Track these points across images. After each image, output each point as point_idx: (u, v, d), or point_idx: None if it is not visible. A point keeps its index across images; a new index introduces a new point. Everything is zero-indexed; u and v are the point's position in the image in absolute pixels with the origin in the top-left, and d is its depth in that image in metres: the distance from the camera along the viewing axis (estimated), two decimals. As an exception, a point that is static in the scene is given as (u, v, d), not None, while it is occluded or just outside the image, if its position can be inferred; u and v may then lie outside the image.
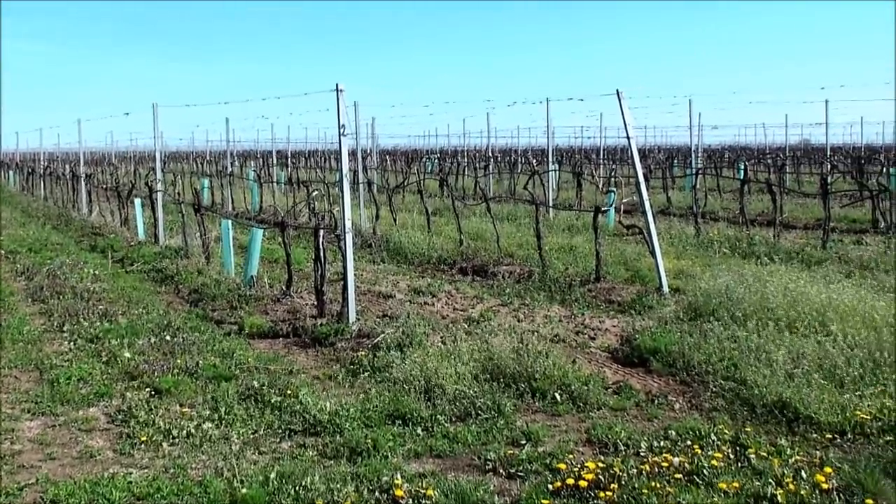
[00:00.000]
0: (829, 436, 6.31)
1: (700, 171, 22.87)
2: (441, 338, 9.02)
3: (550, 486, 5.51)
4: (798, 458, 5.87)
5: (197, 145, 63.48)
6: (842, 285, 9.78)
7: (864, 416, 6.42)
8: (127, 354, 8.81)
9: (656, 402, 7.31)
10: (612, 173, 30.50)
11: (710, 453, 5.91)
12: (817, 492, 5.26)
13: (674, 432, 6.41)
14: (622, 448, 6.21)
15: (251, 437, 6.67)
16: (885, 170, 24.84)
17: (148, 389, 7.77)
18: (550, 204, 21.81)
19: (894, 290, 10.44)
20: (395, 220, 19.41)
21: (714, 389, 7.38)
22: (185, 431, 6.69)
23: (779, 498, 5.18)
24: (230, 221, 14.40)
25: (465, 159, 42.23)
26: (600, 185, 27.30)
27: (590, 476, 5.51)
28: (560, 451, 6.16)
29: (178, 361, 8.50)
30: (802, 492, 5.24)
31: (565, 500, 5.38)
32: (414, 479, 5.72)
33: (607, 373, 8.17)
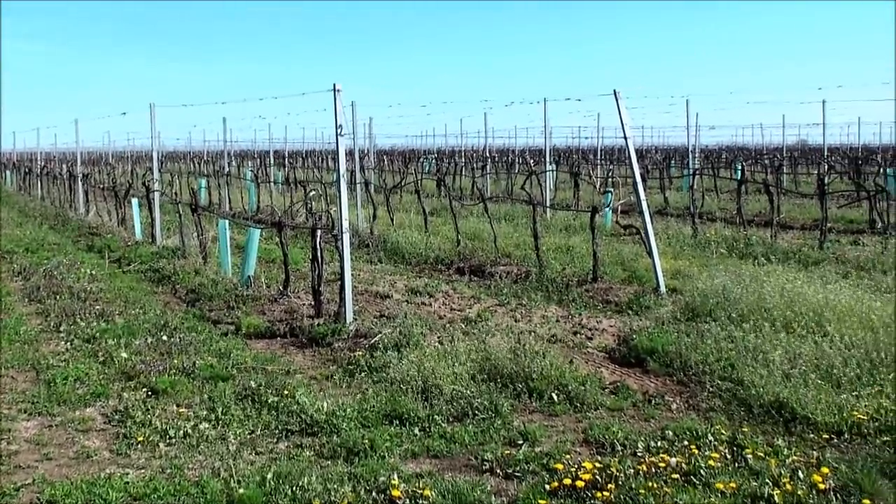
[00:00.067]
0: (826, 436, 6.31)
1: (697, 172, 22.89)
2: (438, 338, 9.02)
3: (547, 487, 5.51)
4: (795, 458, 5.87)
5: (194, 145, 63.50)
6: (839, 286, 9.78)
7: (861, 417, 6.43)
8: (124, 354, 8.80)
9: (653, 402, 7.31)
10: (610, 173, 30.54)
11: (707, 453, 5.92)
12: (814, 492, 5.26)
13: (671, 432, 6.42)
14: (619, 448, 6.21)
15: (248, 437, 6.66)
16: (882, 170, 24.86)
17: (145, 390, 7.76)
18: (548, 204, 21.83)
19: (891, 290, 10.46)
20: (392, 220, 19.41)
21: (711, 390, 7.38)
22: (181, 432, 6.68)
23: (776, 498, 5.19)
24: (227, 221, 14.40)
25: (463, 159, 42.24)
26: (597, 186, 27.28)
27: (587, 476, 5.51)
28: (557, 451, 6.16)
29: (175, 361, 8.50)
30: (799, 492, 5.24)
31: (562, 501, 5.38)
32: (411, 479, 5.72)
33: (604, 373, 8.17)
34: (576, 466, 5.73)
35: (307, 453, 6.30)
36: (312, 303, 10.78)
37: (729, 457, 5.94)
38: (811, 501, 5.20)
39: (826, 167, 25.40)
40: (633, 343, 8.81)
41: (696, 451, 5.96)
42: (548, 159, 26.12)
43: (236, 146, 53.31)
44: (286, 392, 7.45)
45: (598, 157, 41.81)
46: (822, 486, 5.29)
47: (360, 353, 8.75)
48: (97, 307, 11.20)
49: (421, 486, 5.53)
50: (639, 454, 6.04)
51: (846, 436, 6.31)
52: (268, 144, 46.75)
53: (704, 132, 46.63)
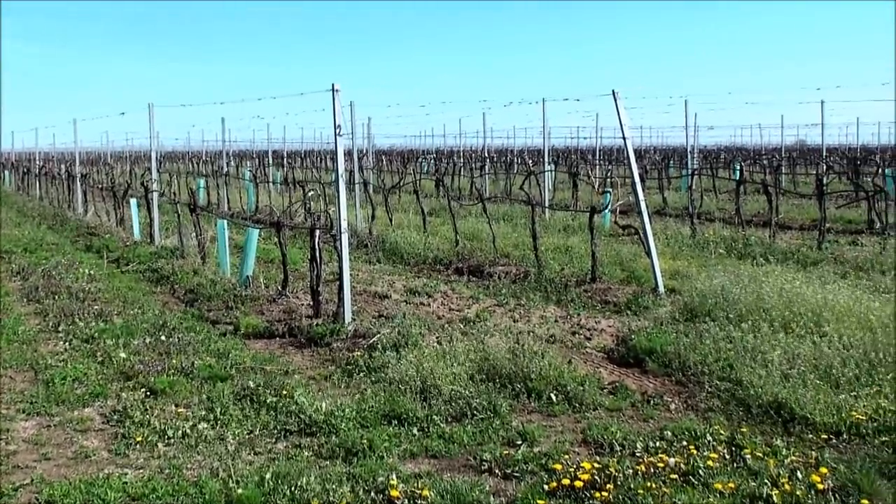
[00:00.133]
0: (824, 436, 6.31)
1: (696, 172, 22.90)
2: (437, 338, 9.02)
3: (546, 487, 5.51)
4: (794, 458, 5.87)
5: (193, 145, 63.48)
6: (837, 286, 9.79)
7: (860, 417, 6.43)
8: (122, 354, 8.80)
9: (652, 402, 7.31)
10: (609, 174, 30.56)
11: (705, 454, 5.92)
12: (813, 492, 5.26)
13: (669, 433, 6.42)
14: (618, 448, 6.21)
15: (247, 437, 6.66)
16: (880, 170, 24.88)
17: (143, 390, 7.76)
18: (546, 204, 21.83)
19: (890, 290, 10.46)
20: (391, 220, 19.40)
21: (710, 390, 7.38)
22: (180, 432, 6.68)
23: (774, 498, 5.19)
24: (226, 221, 14.39)
25: (462, 159, 42.26)
26: (596, 186, 27.30)
27: (585, 476, 5.51)
28: (556, 451, 6.16)
29: (174, 362, 8.49)
30: (798, 492, 5.24)
31: (561, 501, 5.38)
32: (410, 479, 5.71)
33: (603, 373, 8.17)
34: (574, 466, 5.73)
35: (306, 453, 6.30)
36: (311, 303, 10.77)
37: (727, 457, 5.94)
38: (810, 502, 5.20)
39: (825, 167, 25.45)
40: (631, 343, 8.81)
41: (695, 452, 5.96)
42: (546, 159, 26.12)
43: (235, 146, 53.31)
44: (285, 392, 7.45)
45: (597, 157, 41.83)
46: (820, 487, 5.29)
47: (359, 353, 8.75)
48: (96, 307, 11.20)
49: (419, 486, 5.53)
50: (637, 454, 6.04)
51: (845, 436, 6.31)
52: (266, 144, 46.74)
53: (703, 132, 46.62)
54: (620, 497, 5.30)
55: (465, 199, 22.77)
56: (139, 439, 6.56)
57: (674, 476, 5.58)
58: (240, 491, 5.52)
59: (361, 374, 8.18)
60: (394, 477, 5.67)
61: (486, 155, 35.19)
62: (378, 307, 11.14)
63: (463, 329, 9.53)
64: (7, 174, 46.68)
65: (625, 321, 10.13)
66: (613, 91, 11.89)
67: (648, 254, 11.72)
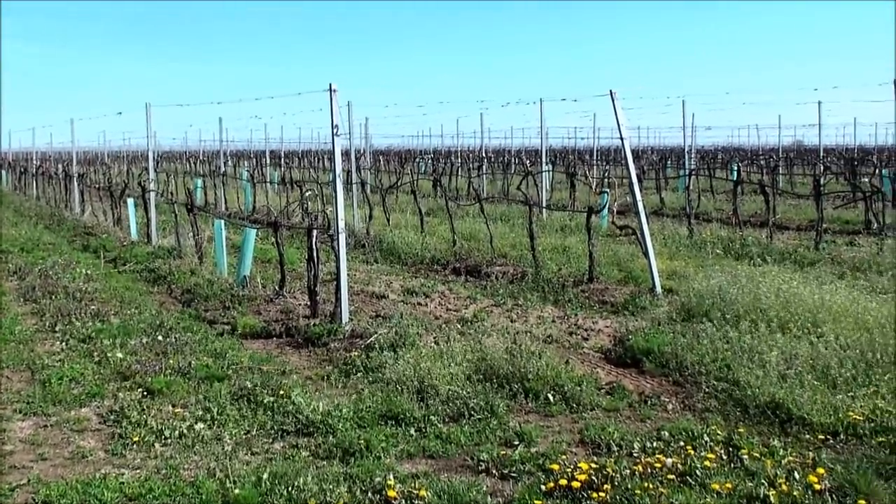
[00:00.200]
0: (821, 437, 6.32)
1: (693, 172, 22.90)
2: (434, 338, 9.02)
3: (543, 487, 5.51)
4: (791, 458, 5.87)
5: (190, 145, 63.40)
6: (834, 286, 9.79)
7: (857, 417, 6.43)
8: (119, 355, 8.79)
9: (649, 402, 7.31)
10: (606, 174, 30.57)
11: (702, 454, 5.92)
12: (810, 493, 5.27)
13: (667, 433, 6.42)
14: (615, 449, 6.21)
15: (244, 437, 6.65)
16: (877, 171, 24.90)
17: (140, 390, 7.75)
18: (544, 204, 21.82)
19: (887, 291, 10.47)
20: (388, 220, 19.40)
21: (707, 390, 7.38)
22: (177, 432, 6.67)
23: (771, 499, 5.19)
24: (223, 221, 14.37)
25: (459, 160, 42.27)
26: (594, 186, 27.22)
27: (583, 477, 5.51)
28: (553, 451, 6.16)
29: (171, 362, 8.48)
30: (795, 493, 5.25)
31: (558, 501, 5.37)
32: (407, 479, 5.71)
33: (600, 373, 8.17)
34: (572, 467, 5.73)
35: (303, 453, 6.30)
36: (308, 303, 10.77)
37: (725, 457, 5.94)
38: (807, 502, 5.20)
39: (822, 168, 25.48)
40: (629, 343, 8.81)
41: (692, 452, 5.96)
42: (544, 160, 26.12)
43: (232, 146, 53.37)
44: (282, 392, 7.44)
45: (595, 157, 41.90)
46: (817, 487, 5.30)
47: (356, 353, 8.74)
48: (93, 307, 11.18)
49: (417, 486, 5.53)
50: (635, 455, 6.04)
51: (842, 436, 6.31)
52: (264, 144, 46.73)
53: (701, 133, 46.67)
54: (618, 497, 5.30)
55: (463, 200, 22.77)
56: (136, 439, 6.55)
57: (671, 476, 5.58)
58: (237, 491, 5.51)
59: (359, 374, 8.18)
60: (391, 477, 5.66)
61: (484, 155, 35.23)
62: (375, 307, 11.14)
63: (460, 329, 9.53)
64: (4, 174, 46.63)
65: (622, 321, 10.13)
66: (611, 91, 11.90)
67: (646, 254, 11.72)
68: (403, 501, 5.39)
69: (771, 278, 9.94)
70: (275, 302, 11.41)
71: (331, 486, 5.56)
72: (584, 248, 13.52)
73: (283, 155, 49.88)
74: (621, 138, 12.16)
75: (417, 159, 46.03)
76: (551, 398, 7.31)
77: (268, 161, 43.76)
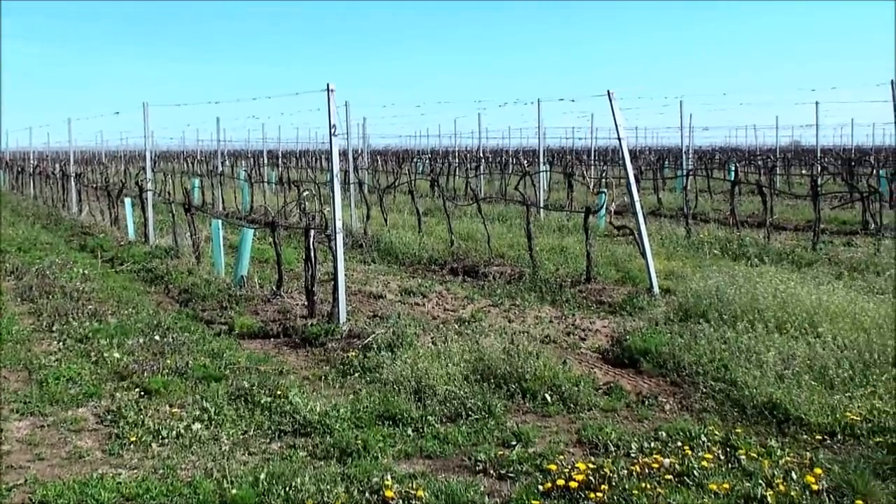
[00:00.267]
0: (819, 437, 6.32)
1: (691, 173, 22.93)
2: (431, 338, 9.01)
3: (541, 487, 5.51)
4: (788, 459, 5.88)
5: (188, 145, 63.42)
6: (832, 287, 9.80)
7: (855, 418, 6.44)
8: (116, 354, 8.77)
9: (647, 402, 7.31)
10: (603, 174, 30.57)
11: (700, 454, 5.92)
12: (807, 493, 5.27)
13: (664, 433, 6.42)
14: (612, 449, 6.21)
15: (241, 437, 6.65)
16: (875, 171, 24.93)
17: (137, 390, 7.74)
18: (541, 205, 21.83)
19: (884, 291, 10.48)
20: (385, 220, 19.39)
21: (704, 390, 7.39)
22: (174, 432, 6.66)
23: (769, 499, 5.19)
24: (220, 221, 14.36)
25: (457, 160, 42.25)
26: (591, 186, 27.31)
27: (580, 477, 5.51)
28: (550, 451, 6.16)
29: (168, 362, 8.48)
30: (793, 493, 5.25)
31: (556, 501, 5.37)
32: (404, 479, 5.71)
33: (598, 374, 8.17)
34: (569, 467, 5.73)
35: (300, 454, 6.29)
36: (306, 303, 10.76)
37: (722, 457, 5.94)
38: (804, 502, 5.20)
39: (819, 168, 25.48)
40: (626, 344, 8.82)
41: (690, 452, 5.96)
42: (541, 160, 26.12)
43: (230, 146, 53.31)
44: (279, 392, 7.44)
45: (592, 157, 41.89)
46: (815, 487, 5.30)
47: (354, 353, 8.74)
48: (90, 307, 11.17)
49: (414, 486, 5.53)
50: (632, 455, 6.04)
51: (839, 437, 6.32)
52: (261, 144, 46.71)
53: (698, 133, 46.80)
54: (615, 498, 5.30)
55: (460, 200, 22.77)
56: (133, 439, 6.54)
57: (668, 477, 5.58)
58: (234, 491, 5.51)
59: (356, 375, 8.18)
60: (388, 477, 5.66)
61: (482, 155, 35.24)
62: (373, 307, 11.13)
63: (458, 329, 9.52)
64: (1, 173, 46.59)
65: (619, 322, 10.13)
66: (609, 92, 11.89)
67: (643, 254, 11.72)
68: (401, 502, 5.38)
69: (768, 279, 9.95)
70: (272, 302, 11.41)
71: (328, 487, 5.55)
72: (581, 249, 13.52)
73: (280, 155, 49.84)
74: (619, 138, 12.16)
75: (415, 159, 46.03)
76: (549, 398, 7.31)
77: (265, 161, 43.75)
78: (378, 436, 6.49)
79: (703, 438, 6.25)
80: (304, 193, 15.37)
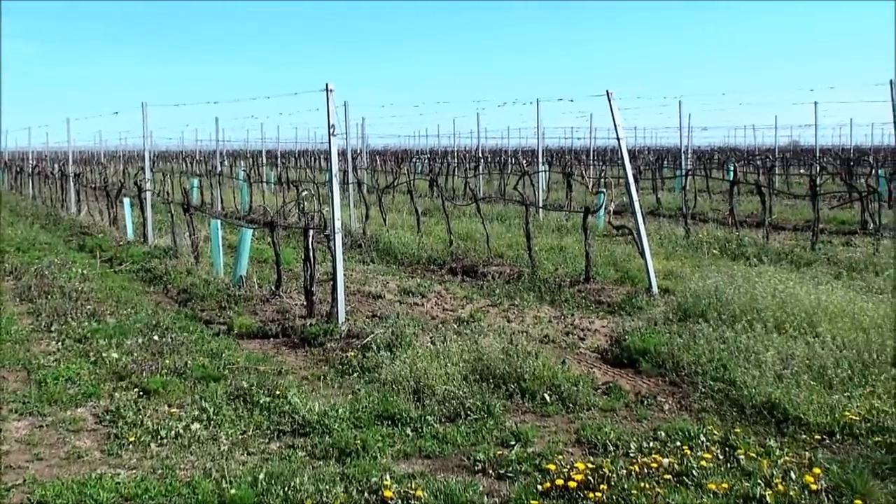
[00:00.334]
0: (818, 437, 6.32)
1: (690, 173, 22.93)
2: (430, 338, 9.01)
3: (540, 487, 5.51)
4: (787, 458, 5.88)
5: (186, 145, 63.37)
6: (831, 286, 9.80)
7: (853, 417, 6.44)
8: (115, 354, 8.77)
9: (646, 402, 7.31)
10: (602, 174, 30.53)
11: (699, 454, 5.92)
12: (806, 493, 5.27)
13: (663, 433, 6.42)
14: (611, 449, 6.21)
15: (240, 437, 6.64)
16: (873, 171, 24.93)
17: (136, 390, 7.74)
18: (540, 204, 21.82)
19: (883, 291, 10.49)
20: (384, 220, 19.39)
21: (703, 390, 7.39)
22: (173, 432, 6.66)
23: (768, 499, 5.19)
24: (219, 221, 14.36)
25: (455, 160, 42.26)
26: (590, 186, 27.25)
27: (579, 477, 5.51)
28: (549, 451, 6.15)
29: (167, 362, 8.47)
30: (791, 493, 5.25)
31: (555, 501, 5.37)
32: (403, 479, 5.71)
33: (597, 373, 8.17)
34: (568, 467, 5.73)
35: (299, 454, 6.29)
36: (304, 303, 10.76)
37: (721, 457, 5.95)
38: (803, 502, 5.20)
39: (818, 168, 25.47)
40: (625, 343, 8.82)
41: (689, 452, 5.96)
42: (540, 160, 26.11)
43: (229, 146, 53.32)
44: (278, 392, 7.43)
45: (591, 157, 41.89)
46: (814, 487, 5.30)
47: (353, 353, 8.74)
48: (88, 307, 11.17)
49: (413, 486, 5.53)
50: (631, 455, 6.04)
51: (838, 436, 6.32)
52: (260, 144, 46.68)
53: (697, 133, 46.76)
54: (614, 497, 5.30)
55: (459, 200, 22.78)
56: (132, 439, 6.54)
57: (667, 476, 5.58)
58: (233, 491, 5.51)
59: (355, 375, 8.18)
60: (387, 477, 5.66)
61: (480, 155, 35.22)
62: (372, 307, 11.13)
63: (457, 329, 9.52)
64: (0, 173, 46.55)
65: (618, 321, 10.13)
66: (607, 91, 11.89)
67: (642, 254, 11.72)
68: (400, 502, 5.38)
69: (767, 278, 9.95)
70: (271, 302, 11.40)
71: (327, 487, 5.55)
72: (580, 248, 13.52)
73: (279, 155, 49.83)
74: (618, 138, 12.16)
75: (414, 159, 46.00)
76: (548, 398, 7.31)
77: (264, 161, 43.73)
78: (377, 436, 6.49)
79: (702, 438, 6.25)
80: (303, 193, 15.36)
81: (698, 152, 46.26)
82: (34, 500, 5.53)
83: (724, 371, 7.54)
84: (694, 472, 5.63)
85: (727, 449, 6.07)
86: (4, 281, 13.69)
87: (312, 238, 10.60)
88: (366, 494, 5.49)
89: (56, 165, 31.55)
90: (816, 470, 5.55)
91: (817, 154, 33.07)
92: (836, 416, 6.50)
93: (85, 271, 14.04)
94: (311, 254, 10.52)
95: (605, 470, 5.59)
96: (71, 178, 26.29)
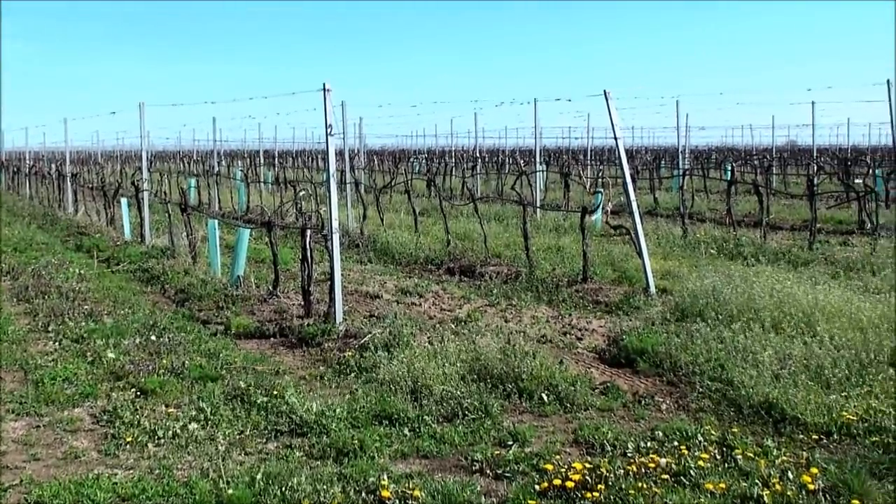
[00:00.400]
0: (815, 436, 6.32)
1: (687, 172, 22.94)
2: (428, 338, 9.01)
3: (537, 487, 5.51)
4: (785, 458, 5.88)
5: (184, 145, 63.27)
6: (828, 286, 9.81)
7: (851, 417, 6.44)
8: (112, 355, 8.76)
9: (643, 402, 7.31)
10: (600, 174, 30.55)
11: (696, 454, 5.92)
12: (804, 492, 5.27)
13: (661, 433, 6.42)
14: (609, 449, 6.21)
15: (237, 437, 6.64)
16: (871, 171, 24.95)
17: (133, 390, 7.73)
18: (538, 204, 21.83)
19: (880, 291, 10.49)
20: (382, 220, 19.39)
21: (701, 390, 7.39)
22: (170, 432, 6.65)
23: (765, 499, 5.19)
24: (217, 221, 14.36)
25: (453, 159, 42.27)
26: (588, 186, 27.22)
27: (577, 477, 5.51)
28: (547, 451, 6.15)
29: (164, 362, 8.46)
30: (789, 492, 5.25)
31: (552, 501, 5.37)
32: (401, 479, 5.70)
33: (594, 373, 8.17)
34: (565, 467, 5.73)
35: (297, 454, 6.28)
36: (302, 303, 10.75)
37: (718, 457, 5.94)
38: (801, 502, 5.21)
39: (815, 168, 25.49)
40: (622, 343, 8.82)
41: (686, 452, 5.96)
42: (538, 159, 26.14)
43: (226, 146, 53.22)
44: (276, 392, 7.43)
45: (588, 157, 41.90)
46: (811, 487, 5.30)
47: (350, 353, 8.73)
48: (86, 307, 11.15)
49: (410, 486, 5.52)
50: (629, 454, 6.04)
51: (836, 436, 6.32)
52: (258, 144, 46.71)
53: (694, 133, 46.78)
54: (612, 497, 5.30)
55: (457, 199, 22.74)
56: (129, 440, 6.53)
57: (665, 476, 5.58)
58: (230, 491, 5.50)
59: (352, 374, 8.17)
60: (385, 477, 5.66)
61: (478, 155, 35.24)
62: (369, 307, 11.13)
63: (454, 329, 9.52)
64: (-3, 174, 46.49)
65: (616, 321, 10.13)
66: (605, 91, 11.90)
67: (640, 254, 11.73)
68: (397, 502, 5.38)
69: (765, 278, 9.96)
70: (268, 302, 11.40)
71: (324, 487, 5.55)
72: (578, 248, 13.52)
73: (277, 155, 49.80)
74: (615, 138, 12.17)
75: (412, 159, 45.99)
76: (545, 398, 7.31)
77: (262, 161, 43.71)
78: (374, 435, 6.48)
79: (700, 438, 6.25)
80: (301, 193, 15.36)
81: (696, 152, 46.30)
82: (31, 500, 5.52)
83: (722, 371, 7.54)
84: (691, 471, 5.63)
85: (725, 449, 6.07)
86: (1, 281, 13.67)
87: (310, 238, 10.60)
88: (363, 494, 5.48)
89: (53, 165, 31.50)
90: (814, 470, 5.55)
91: (815, 154, 33.12)
92: (834, 415, 6.50)
93: (82, 271, 14.03)
94: (309, 254, 10.52)
95: (603, 470, 5.59)
96: (68, 178, 26.27)
